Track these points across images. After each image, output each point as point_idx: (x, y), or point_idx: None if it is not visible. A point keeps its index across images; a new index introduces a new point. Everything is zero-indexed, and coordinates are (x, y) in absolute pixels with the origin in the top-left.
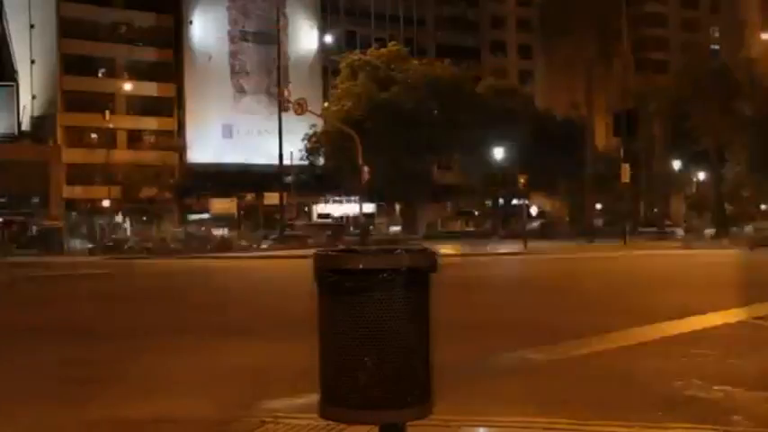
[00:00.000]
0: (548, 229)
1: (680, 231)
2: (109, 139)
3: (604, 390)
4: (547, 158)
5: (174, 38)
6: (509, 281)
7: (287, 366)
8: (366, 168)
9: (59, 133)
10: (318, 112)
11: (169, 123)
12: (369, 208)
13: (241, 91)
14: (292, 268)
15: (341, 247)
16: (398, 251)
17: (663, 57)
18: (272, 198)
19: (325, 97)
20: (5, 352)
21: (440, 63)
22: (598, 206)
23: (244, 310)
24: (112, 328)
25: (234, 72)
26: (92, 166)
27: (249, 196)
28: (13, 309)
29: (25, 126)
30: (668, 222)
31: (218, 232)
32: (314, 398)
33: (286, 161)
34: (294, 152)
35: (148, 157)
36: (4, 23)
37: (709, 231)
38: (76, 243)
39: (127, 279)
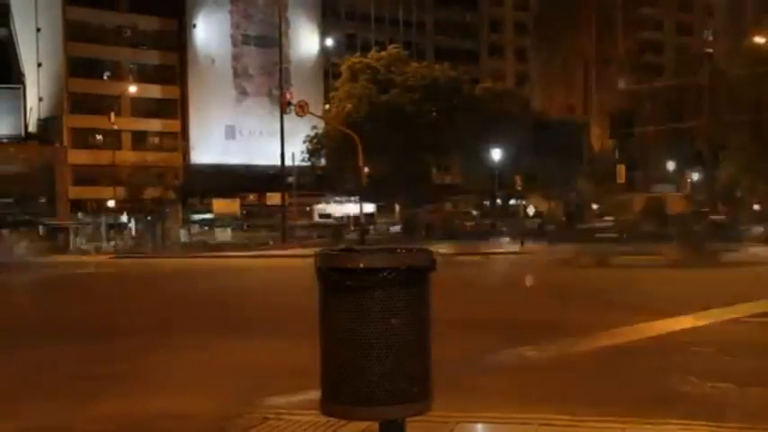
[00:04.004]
0: (544, 229)
1: None
2: (114, 141)
3: (600, 386)
4: (544, 160)
5: (178, 41)
6: (506, 280)
7: (289, 363)
8: (366, 169)
9: (65, 135)
10: (319, 113)
11: (173, 125)
12: (369, 208)
13: (244, 93)
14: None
15: (342, 246)
16: (398, 250)
17: (658, 60)
18: (273, 198)
19: (326, 99)
20: (15, 349)
21: (438, 66)
22: (594, 206)
23: (247, 308)
24: (118, 326)
25: (236, 75)
26: (97, 168)
27: (251, 196)
28: (20, 307)
29: (32, 128)
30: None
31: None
32: (315, 395)
33: (288, 162)
34: (296, 153)
35: (153, 158)
36: (12, 27)
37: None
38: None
39: (132, 278)
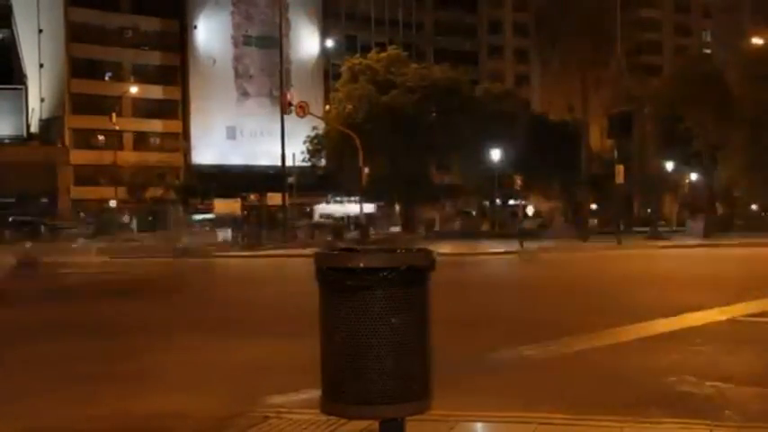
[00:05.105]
0: (543, 229)
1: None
2: (115, 141)
3: (599, 385)
4: (543, 160)
5: (180, 42)
6: (506, 279)
7: (289, 363)
8: (366, 169)
9: (67, 135)
10: (320, 114)
11: (174, 126)
12: (369, 208)
13: (244, 94)
14: None
15: (342, 246)
16: (398, 250)
17: (656, 60)
18: (274, 198)
19: (327, 100)
20: (16, 349)
21: (438, 67)
22: (593, 206)
23: (247, 307)
24: (118, 325)
25: (237, 75)
26: (99, 168)
27: (252, 197)
28: (21, 307)
29: (34, 128)
30: (662, 222)
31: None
32: (315, 393)
33: (288, 162)
34: (296, 154)
35: (154, 158)
36: (14, 28)
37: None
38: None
39: (132, 278)
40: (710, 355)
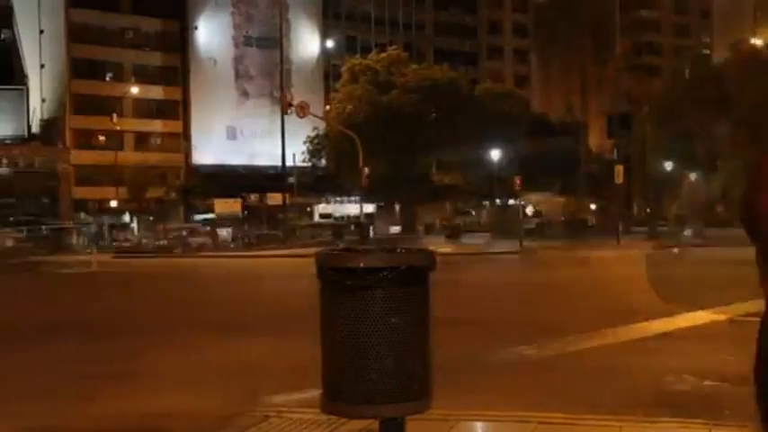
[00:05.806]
0: (543, 229)
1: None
2: (116, 142)
3: (598, 385)
4: (542, 160)
5: (180, 43)
6: (505, 279)
7: (289, 362)
8: (366, 169)
9: (68, 135)
10: (320, 114)
11: (175, 126)
12: (369, 208)
13: (245, 94)
14: None
15: (342, 246)
16: (398, 250)
17: (656, 61)
18: (274, 198)
19: (327, 100)
20: (16, 348)
21: (438, 67)
22: (592, 206)
23: (247, 307)
24: (118, 325)
25: (238, 76)
26: (100, 168)
27: (253, 197)
28: (22, 306)
29: (35, 129)
30: (662, 223)
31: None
32: (316, 393)
33: (288, 163)
34: (296, 154)
35: (155, 158)
36: (15, 29)
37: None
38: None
39: (133, 278)
40: (709, 354)
